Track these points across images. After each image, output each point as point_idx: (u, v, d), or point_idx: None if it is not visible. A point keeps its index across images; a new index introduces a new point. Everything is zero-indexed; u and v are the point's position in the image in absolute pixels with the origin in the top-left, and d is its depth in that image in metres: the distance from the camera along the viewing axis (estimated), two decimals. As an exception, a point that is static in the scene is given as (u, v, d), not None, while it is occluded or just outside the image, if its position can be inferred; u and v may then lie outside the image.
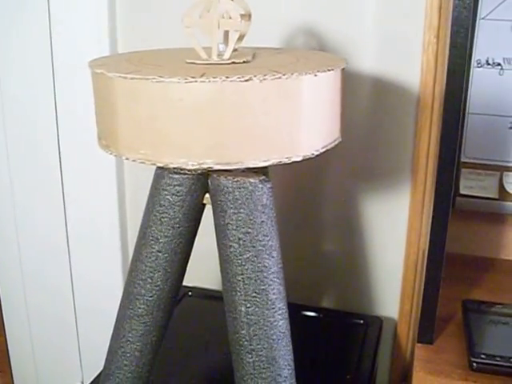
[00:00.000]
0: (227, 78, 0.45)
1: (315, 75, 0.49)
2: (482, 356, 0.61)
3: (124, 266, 1.03)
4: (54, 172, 1.01)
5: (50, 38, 0.92)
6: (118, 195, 0.99)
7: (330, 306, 0.95)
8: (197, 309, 0.92)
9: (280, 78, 0.47)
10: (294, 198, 0.91)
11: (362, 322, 0.87)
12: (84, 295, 1.08)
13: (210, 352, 0.80)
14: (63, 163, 1.00)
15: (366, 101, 0.83)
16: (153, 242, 0.56)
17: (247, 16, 0.56)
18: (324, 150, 0.52)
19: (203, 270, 0.92)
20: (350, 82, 0.81)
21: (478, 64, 0.74)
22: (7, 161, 1.03)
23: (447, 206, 0.58)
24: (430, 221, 0.59)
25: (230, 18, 0.53)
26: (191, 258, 0.59)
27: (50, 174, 1.01)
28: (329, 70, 0.50)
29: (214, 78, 0.45)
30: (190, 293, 0.95)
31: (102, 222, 1.01)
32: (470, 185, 0.78)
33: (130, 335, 0.58)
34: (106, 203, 1.00)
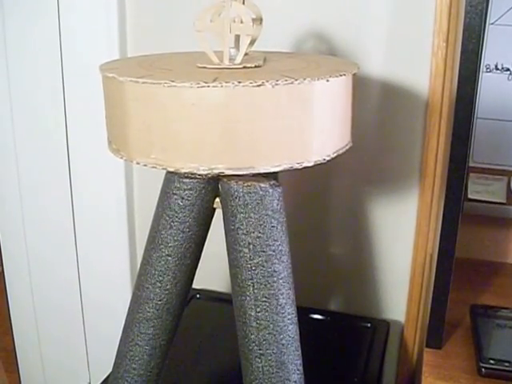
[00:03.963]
0: (239, 82, 0.45)
1: (327, 80, 0.49)
2: (491, 361, 0.61)
3: (132, 267, 1.03)
4: (62, 175, 1.01)
5: (60, 41, 0.92)
6: (127, 197, 0.99)
7: (338, 310, 0.95)
8: (205, 311, 0.92)
9: (292, 83, 0.47)
10: (302, 201, 0.91)
11: (369, 325, 0.87)
12: (92, 296, 1.08)
13: (218, 355, 0.80)
14: (72, 166, 1.00)
15: (374, 105, 0.83)
16: (162, 246, 0.56)
17: (258, 20, 0.56)
18: (335, 155, 0.52)
19: (211, 272, 0.92)
20: (359, 85, 0.81)
21: (487, 69, 0.74)
22: (16, 166, 1.03)
23: (457, 211, 0.58)
24: (440, 226, 0.59)
25: (242, 22, 0.53)
26: (199, 260, 0.59)
27: (59, 176, 1.01)
28: (341, 75, 0.50)
29: (226, 82, 0.45)
30: (198, 295, 0.95)
31: (111, 225, 1.01)
32: (478, 189, 0.78)
33: (139, 339, 0.58)
34: (114, 205, 1.00)
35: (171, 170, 0.49)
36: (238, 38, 0.57)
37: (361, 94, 0.81)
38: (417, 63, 0.78)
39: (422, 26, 0.76)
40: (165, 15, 0.89)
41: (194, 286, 0.61)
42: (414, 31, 0.77)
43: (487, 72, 0.74)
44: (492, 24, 0.72)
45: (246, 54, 0.55)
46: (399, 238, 0.87)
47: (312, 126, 0.49)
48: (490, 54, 0.73)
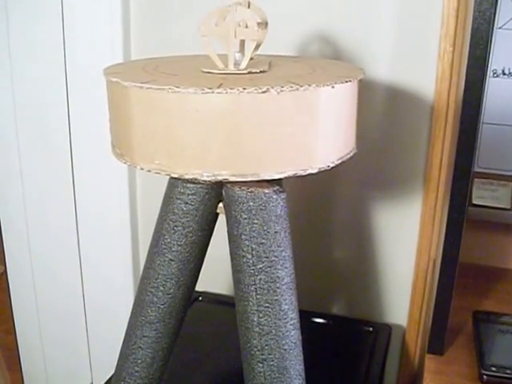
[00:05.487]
0: (244, 89, 0.45)
1: (333, 87, 0.49)
2: (493, 368, 0.61)
3: (135, 270, 1.03)
4: (65, 179, 1.01)
5: (64, 43, 0.92)
6: (130, 201, 0.99)
7: (340, 313, 0.95)
8: (207, 313, 0.92)
9: (297, 89, 0.46)
10: (305, 204, 0.91)
11: (371, 329, 0.87)
12: (94, 299, 1.08)
13: (220, 358, 0.80)
14: (75, 170, 1.00)
15: (379, 108, 0.82)
16: (166, 251, 0.55)
17: (264, 24, 0.56)
18: (340, 161, 0.52)
19: (213, 274, 0.91)
20: (364, 89, 0.80)
21: (494, 74, 0.73)
22: (19, 169, 1.03)
23: (461, 218, 0.58)
24: (444, 232, 0.59)
25: (247, 26, 0.53)
26: (201, 263, 0.59)
27: (62, 180, 1.01)
28: (346, 82, 0.50)
29: (231, 89, 0.45)
30: (200, 297, 0.95)
31: (114, 228, 1.01)
32: (483, 195, 0.78)
33: (142, 342, 0.58)
34: (117, 209, 0.99)
35: (175, 175, 0.49)
36: (243, 41, 0.56)
37: (366, 98, 0.81)
38: (423, 67, 0.77)
39: (428, 29, 0.76)
40: (168, 17, 0.88)
41: (197, 288, 0.61)
42: (421, 35, 0.77)
43: (494, 77, 0.73)
44: (499, 28, 0.72)
45: (251, 59, 0.54)
46: (402, 243, 0.87)
47: (317, 133, 0.49)
48: (497, 59, 0.73)
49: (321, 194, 0.90)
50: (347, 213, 0.89)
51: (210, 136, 0.46)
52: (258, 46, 0.55)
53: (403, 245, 0.87)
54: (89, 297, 1.08)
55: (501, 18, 0.71)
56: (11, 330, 1.15)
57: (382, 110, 0.82)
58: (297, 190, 0.89)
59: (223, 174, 0.48)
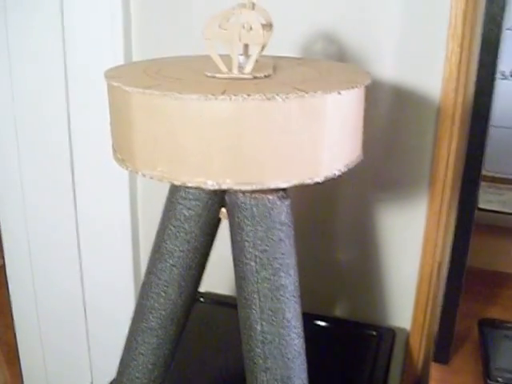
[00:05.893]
0: (249, 96, 0.44)
1: (339, 93, 0.47)
2: (499, 379, 0.60)
3: (136, 275, 1.02)
4: (65, 183, 1.00)
5: (64, 43, 0.91)
6: (131, 205, 0.98)
7: (343, 316, 0.94)
8: (208, 314, 0.92)
9: (303, 96, 0.45)
10: (309, 206, 0.90)
11: (374, 333, 0.86)
12: (95, 302, 1.08)
13: (221, 361, 0.79)
14: (75, 174, 0.99)
15: (385, 109, 0.81)
16: (167, 256, 0.55)
17: (268, 26, 0.55)
18: (346, 169, 0.51)
19: (215, 275, 0.90)
20: (369, 90, 0.79)
21: (502, 76, 0.72)
22: (20, 173, 1.02)
23: (470, 222, 0.57)
24: (452, 238, 0.58)
25: (251, 28, 0.51)
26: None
27: (62, 184, 1.00)
28: (353, 88, 0.49)
29: (235, 95, 0.44)
30: (201, 298, 0.94)
31: (114, 232, 1.00)
32: (490, 199, 0.77)
33: (143, 348, 0.58)
34: (118, 213, 0.98)
35: (178, 183, 0.48)
36: (247, 43, 0.55)
37: (371, 99, 0.79)
38: (429, 68, 0.76)
39: (435, 29, 0.74)
40: (170, 16, 0.87)
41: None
42: (428, 35, 0.75)
43: (502, 79, 0.72)
44: (508, 29, 0.70)
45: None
46: (407, 245, 0.86)
47: (323, 141, 0.48)
48: (506, 61, 0.71)
49: (325, 195, 0.89)
50: (351, 215, 0.88)
51: (214, 143, 0.45)
52: (262, 49, 0.53)
53: (408, 247, 0.86)
54: (89, 301, 1.08)
55: (510, 19, 0.70)
56: (10, 325, 1.14)
57: (388, 111, 0.81)
58: (301, 192, 0.87)
59: (227, 183, 0.46)
